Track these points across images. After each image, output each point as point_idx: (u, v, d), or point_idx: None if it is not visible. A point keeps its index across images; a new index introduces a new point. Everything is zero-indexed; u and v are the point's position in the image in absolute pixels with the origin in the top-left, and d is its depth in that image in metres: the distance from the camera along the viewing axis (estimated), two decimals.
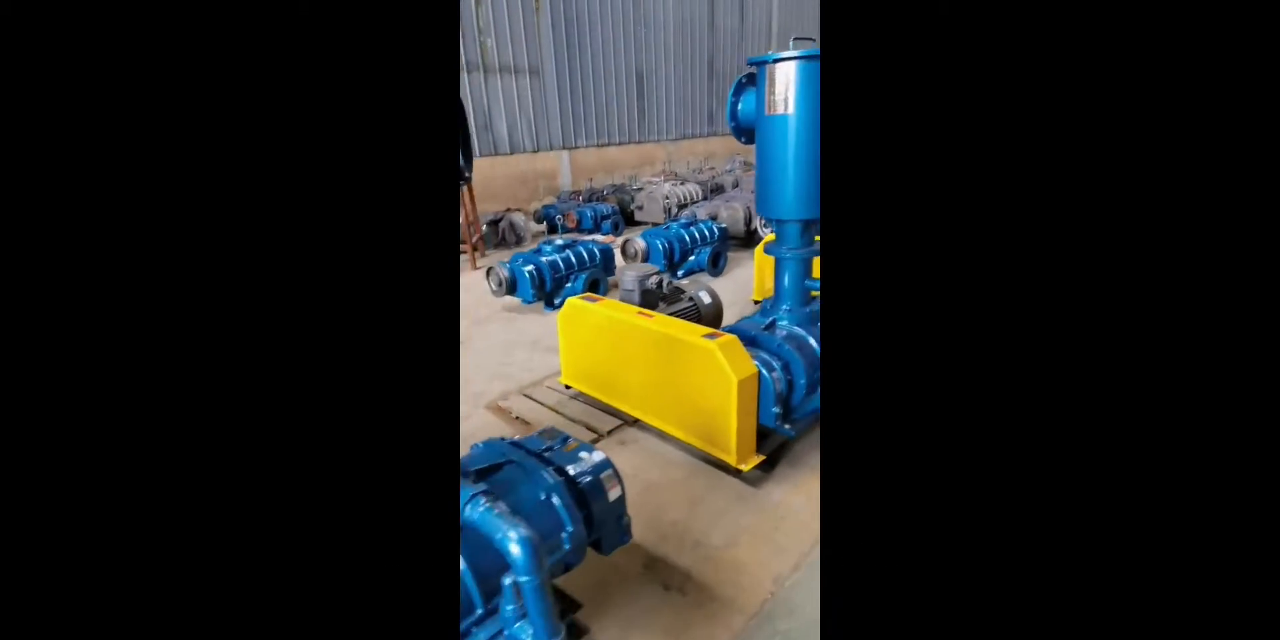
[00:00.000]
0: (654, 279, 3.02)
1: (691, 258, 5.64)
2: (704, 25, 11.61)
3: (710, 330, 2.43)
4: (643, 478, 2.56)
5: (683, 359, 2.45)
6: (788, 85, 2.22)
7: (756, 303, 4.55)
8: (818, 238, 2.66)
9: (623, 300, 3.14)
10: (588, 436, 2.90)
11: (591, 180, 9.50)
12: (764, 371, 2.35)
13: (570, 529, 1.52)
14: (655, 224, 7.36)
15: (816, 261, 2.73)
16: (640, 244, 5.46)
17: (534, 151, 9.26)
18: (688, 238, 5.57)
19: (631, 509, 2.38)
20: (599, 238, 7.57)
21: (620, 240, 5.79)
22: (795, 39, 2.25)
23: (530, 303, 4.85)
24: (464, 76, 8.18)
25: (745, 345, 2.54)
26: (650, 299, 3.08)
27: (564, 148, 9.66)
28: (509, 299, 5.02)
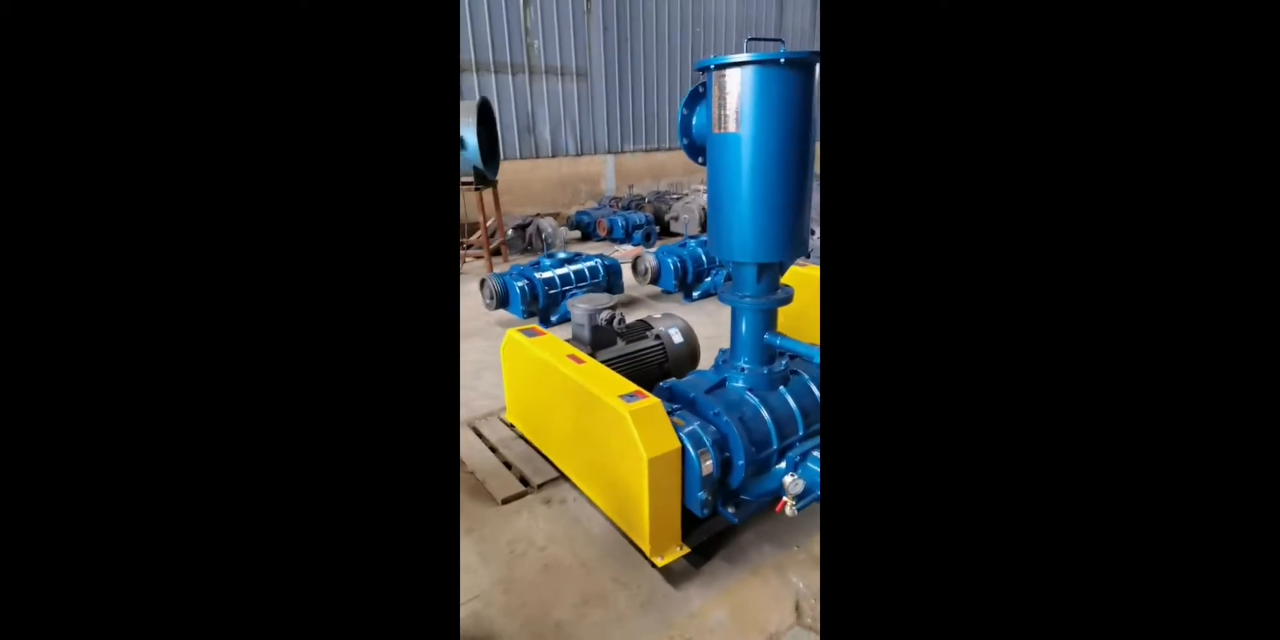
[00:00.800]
0: (605, 314, 2.62)
1: (708, 279, 5.16)
2: (771, 26, 10.98)
3: (633, 389, 2.01)
4: (549, 553, 2.18)
5: (600, 420, 2.05)
6: (738, 96, 1.76)
7: None
8: (783, 281, 2.17)
9: (574, 337, 2.77)
10: (514, 489, 2.56)
11: (632, 186, 9.16)
12: (689, 448, 1.90)
13: None
14: (694, 236, 6.93)
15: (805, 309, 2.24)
16: (651, 261, 5.06)
17: (577, 155, 9.04)
18: (704, 256, 5.10)
19: (519, 597, 2.00)
20: (626, 249, 7.22)
21: (632, 254, 5.41)
22: (750, 39, 1.78)
23: (523, 319, 4.58)
24: (508, 78, 8.08)
25: (680, 409, 2.10)
26: (603, 336, 2.69)
27: (609, 152, 9.38)
28: (502, 313, 4.77)
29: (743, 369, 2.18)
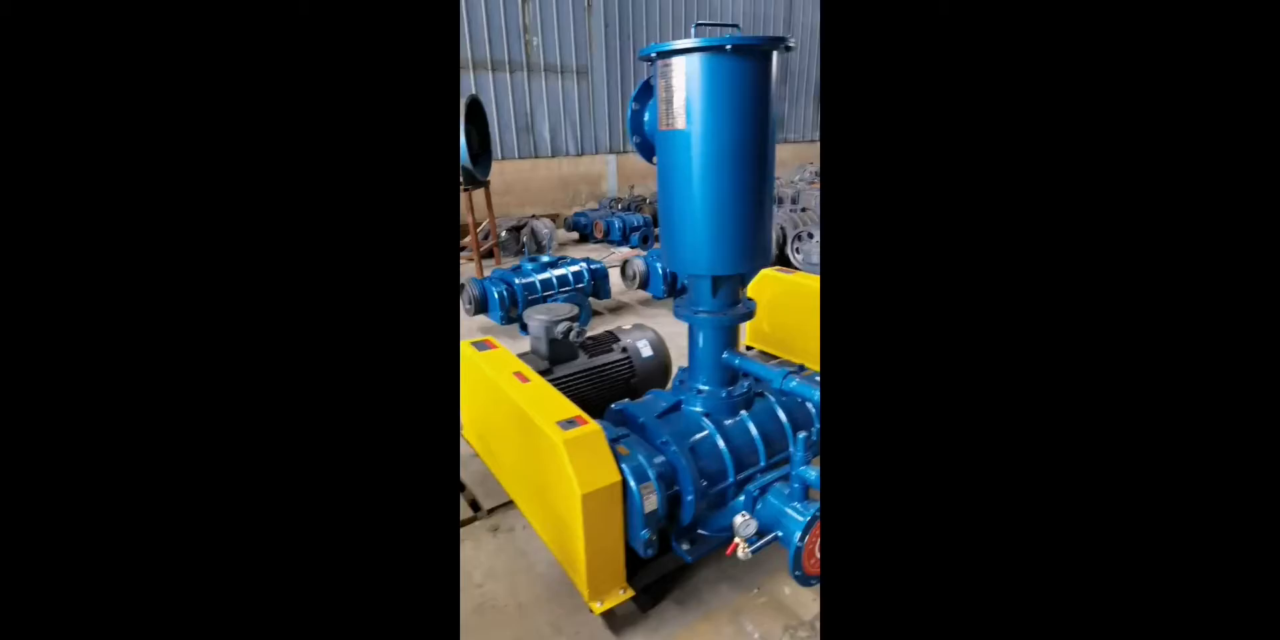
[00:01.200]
0: (563, 325, 2.43)
1: None
2: (780, 23, 10.71)
3: (575, 413, 1.82)
4: (485, 590, 1.99)
5: (537, 447, 1.86)
6: (684, 89, 1.56)
7: (749, 349, 3.81)
8: (744, 293, 1.96)
9: (532, 350, 2.58)
10: (464, 513, 2.38)
11: (633, 187, 8.97)
12: (630, 481, 1.70)
13: None
14: None
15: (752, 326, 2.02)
16: (639, 265, 4.86)
17: (577, 155, 8.87)
18: None
19: None
20: (623, 251, 7.03)
21: (621, 258, 5.22)
22: (698, 25, 1.58)
23: (502, 325, 4.41)
24: (506, 76, 7.93)
25: (629, 436, 1.90)
26: (562, 350, 2.50)
27: (610, 151, 9.19)
28: (483, 319, 4.61)
29: (700, 391, 1.97)
